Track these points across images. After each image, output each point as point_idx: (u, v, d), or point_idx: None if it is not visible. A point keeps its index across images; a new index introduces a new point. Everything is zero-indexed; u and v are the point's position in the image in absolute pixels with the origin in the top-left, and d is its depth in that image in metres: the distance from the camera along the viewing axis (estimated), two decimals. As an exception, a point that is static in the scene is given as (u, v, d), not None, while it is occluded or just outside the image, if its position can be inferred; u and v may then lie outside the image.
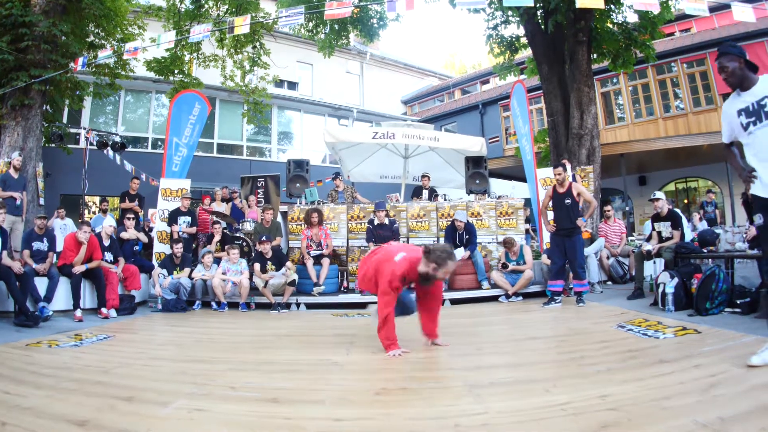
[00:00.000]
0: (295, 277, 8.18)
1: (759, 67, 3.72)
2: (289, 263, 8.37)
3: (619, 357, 3.93)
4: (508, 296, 8.15)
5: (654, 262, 7.94)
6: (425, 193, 10.77)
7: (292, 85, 23.15)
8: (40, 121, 10.54)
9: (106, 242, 8.26)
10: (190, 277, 8.33)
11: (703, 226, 11.34)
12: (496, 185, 16.32)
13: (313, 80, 24.17)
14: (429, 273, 4.18)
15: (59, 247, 7.99)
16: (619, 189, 17.36)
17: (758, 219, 3.73)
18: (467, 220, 8.80)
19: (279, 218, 10.23)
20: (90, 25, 12.27)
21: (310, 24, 15.40)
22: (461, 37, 79.33)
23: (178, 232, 9.24)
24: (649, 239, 7.89)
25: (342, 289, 9.22)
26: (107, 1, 12.05)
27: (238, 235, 9.59)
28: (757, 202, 3.69)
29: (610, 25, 12.97)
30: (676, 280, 6.02)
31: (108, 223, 8.89)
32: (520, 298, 8.20)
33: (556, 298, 7.25)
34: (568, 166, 9.23)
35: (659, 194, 7.80)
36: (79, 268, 7.36)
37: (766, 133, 3.57)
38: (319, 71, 23.99)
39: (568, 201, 7.33)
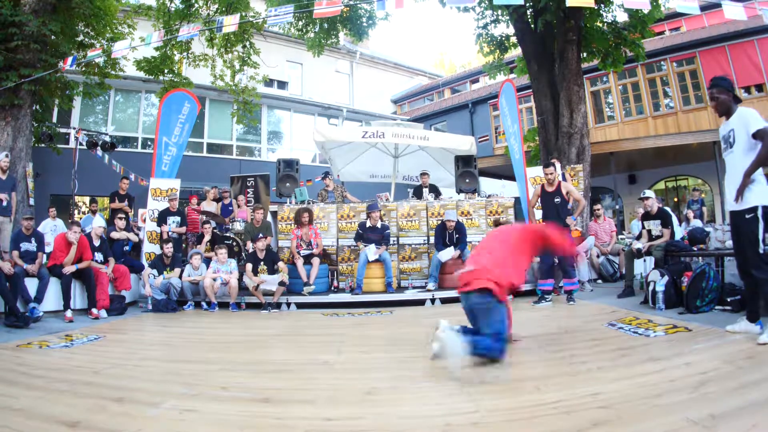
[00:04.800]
0: (286, 278, 8.15)
1: (741, 99, 4.48)
2: (281, 263, 8.33)
3: (610, 355, 3.95)
4: (498, 295, 8.12)
5: (644, 261, 7.95)
6: (425, 192, 10.59)
7: (282, 85, 23.07)
8: (29, 121, 10.44)
9: (96, 242, 8.22)
10: (180, 277, 8.30)
11: (696, 222, 11.39)
12: (486, 184, 16.37)
13: (302, 79, 24.11)
14: None
15: (48, 247, 7.93)
16: (609, 187, 17.45)
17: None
18: (457, 220, 8.81)
19: (269, 218, 10.20)
20: (80, 24, 12.15)
21: (300, 23, 15.39)
22: (451, 36, 79.53)
23: (167, 232, 9.21)
24: (639, 237, 7.92)
25: (332, 288, 9.20)
26: (97, 0, 11.96)
27: (228, 235, 9.55)
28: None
29: (600, 24, 13.02)
30: (666, 278, 6.05)
31: (97, 224, 8.83)
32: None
33: (546, 296, 7.25)
34: (558, 165, 9.25)
35: (649, 193, 7.82)
36: (69, 269, 7.32)
37: (732, 159, 4.32)
38: (308, 70, 23.95)
39: (557, 200, 7.34)
